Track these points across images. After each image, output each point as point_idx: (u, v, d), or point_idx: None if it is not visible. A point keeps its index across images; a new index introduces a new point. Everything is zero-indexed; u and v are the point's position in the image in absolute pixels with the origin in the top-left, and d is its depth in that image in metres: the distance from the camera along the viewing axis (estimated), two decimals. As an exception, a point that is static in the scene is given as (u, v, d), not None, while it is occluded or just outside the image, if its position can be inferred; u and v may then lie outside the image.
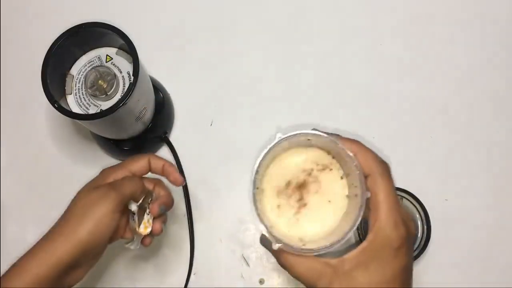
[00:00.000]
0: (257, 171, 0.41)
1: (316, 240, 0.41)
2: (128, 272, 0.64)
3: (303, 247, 0.39)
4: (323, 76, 0.70)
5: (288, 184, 0.44)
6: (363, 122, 0.68)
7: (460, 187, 0.65)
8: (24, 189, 0.68)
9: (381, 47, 0.71)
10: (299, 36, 0.72)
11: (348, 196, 0.43)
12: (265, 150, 0.41)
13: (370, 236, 0.38)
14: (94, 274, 0.64)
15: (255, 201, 0.41)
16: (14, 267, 0.45)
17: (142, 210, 0.52)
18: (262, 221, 0.40)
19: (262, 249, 0.64)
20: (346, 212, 0.42)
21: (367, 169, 0.40)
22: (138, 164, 0.52)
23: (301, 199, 0.43)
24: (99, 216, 0.46)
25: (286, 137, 0.42)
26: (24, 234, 0.66)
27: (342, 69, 0.70)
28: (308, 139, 0.43)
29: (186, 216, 0.64)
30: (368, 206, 0.39)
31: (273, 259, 0.63)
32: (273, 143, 0.42)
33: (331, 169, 0.44)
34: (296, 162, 0.44)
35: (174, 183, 0.53)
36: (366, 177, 0.40)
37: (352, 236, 0.39)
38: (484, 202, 0.64)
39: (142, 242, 0.53)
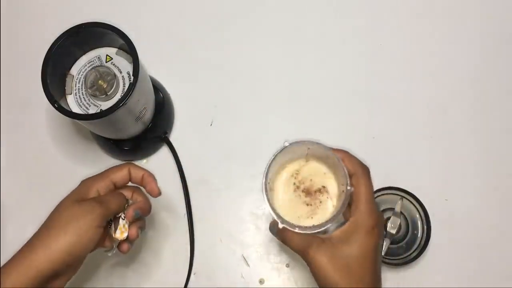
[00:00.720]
0: (267, 171, 0.52)
1: None
2: (128, 272, 0.64)
3: (301, 225, 0.51)
4: (322, 75, 0.70)
5: (292, 185, 0.56)
6: (363, 122, 0.68)
7: (460, 187, 0.65)
8: (24, 189, 0.68)
9: (381, 47, 0.71)
10: (299, 36, 0.72)
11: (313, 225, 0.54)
12: (276, 153, 0.52)
13: (352, 219, 0.48)
14: (94, 274, 0.64)
15: (267, 190, 0.52)
16: None
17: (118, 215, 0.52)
18: (272, 205, 0.51)
19: (262, 249, 0.64)
20: (336, 206, 0.54)
21: (352, 170, 0.49)
22: (119, 174, 0.52)
23: (302, 197, 0.56)
24: (83, 230, 0.46)
25: (290, 144, 0.52)
26: (24, 234, 0.66)
27: (342, 69, 0.70)
28: (308, 148, 0.54)
29: (186, 216, 0.64)
30: (351, 199, 0.49)
31: (273, 259, 0.63)
32: (280, 149, 0.52)
33: (328, 198, 0.56)
34: (297, 169, 0.57)
35: (150, 193, 0.53)
36: (350, 176, 0.50)
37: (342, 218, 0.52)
38: (484, 202, 0.64)
39: (119, 248, 0.53)
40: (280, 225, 0.51)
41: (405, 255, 0.61)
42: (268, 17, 0.73)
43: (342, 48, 0.71)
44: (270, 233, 0.63)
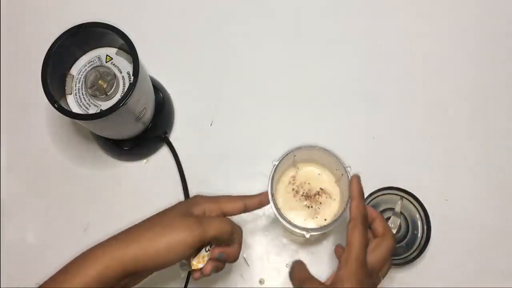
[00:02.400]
0: (271, 187, 0.55)
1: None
2: (128, 272, 0.64)
3: (299, 225, 0.55)
4: (322, 75, 0.70)
5: (292, 191, 0.60)
6: (363, 122, 0.68)
7: (460, 187, 0.65)
8: (24, 189, 0.68)
9: (381, 47, 0.71)
10: (300, 36, 0.72)
11: (325, 219, 0.58)
12: (271, 174, 0.56)
13: (340, 272, 0.46)
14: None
15: (276, 204, 0.55)
16: (82, 257, 0.45)
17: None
18: (282, 215, 0.55)
19: (262, 249, 0.64)
20: (340, 192, 0.59)
21: (353, 214, 0.49)
22: (233, 205, 0.51)
23: (303, 201, 0.59)
24: (175, 243, 0.46)
25: (279, 162, 0.56)
26: (24, 234, 0.66)
27: (342, 69, 0.70)
28: (294, 155, 0.57)
29: (186, 216, 0.64)
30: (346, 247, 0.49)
31: (273, 259, 0.63)
32: (272, 170, 0.56)
33: (327, 197, 0.60)
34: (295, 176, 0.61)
35: (263, 204, 0.54)
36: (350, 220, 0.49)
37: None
38: (484, 202, 0.64)
39: (192, 273, 0.52)
40: (306, 234, 0.54)
41: (405, 255, 0.61)
42: (268, 17, 0.73)
43: (342, 48, 0.71)
44: (270, 233, 0.64)
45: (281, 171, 0.59)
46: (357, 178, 0.51)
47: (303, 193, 0.60)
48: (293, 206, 0.59)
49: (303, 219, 0.58)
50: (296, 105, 0.69)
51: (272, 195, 0.55)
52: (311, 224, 0.58)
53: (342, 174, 0.57)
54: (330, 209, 0.59)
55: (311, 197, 0.59)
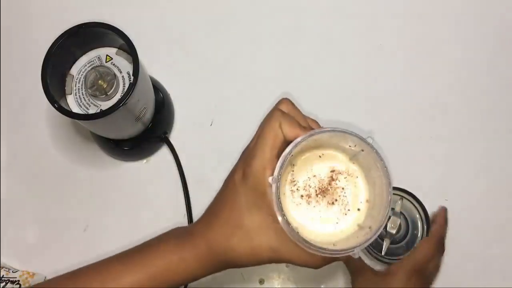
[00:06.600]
0: (279, 207, 0.41)
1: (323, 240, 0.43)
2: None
3: (310, 242, 0.40)
4: (322, 75, 0.70)
5: (300, 198, 0.44)
6: (363, 122, 0.68)
7: (460, 187, 0.65)
8: (24, 189, 0.68)
9: (381, 47, 0.71)
10: (300, 36, 0.72)
11: (359, 209, 0.45)
12: (275, 187, 0.41)
13: (397, 265, 0.56)
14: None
15: (288, 224, 0.41)
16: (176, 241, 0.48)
17: None
18: (281, 210, 0.41)
19: (262, 249, 0.64)
20: (359, 224, 0.44)
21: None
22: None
23: (321, 201, 0.44)
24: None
25: (278, 173, 0.42)
26: (24, 234, 0.66)
27: (342, 69, 0.70)
28: (291, 155, 0.43)
29: (186, 216, 0.64)
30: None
31: (273, 259, 0.63)
32: (288, 150, 0.42)
33: (346, 176, 0.45)
34: (312, 166, 0.45)
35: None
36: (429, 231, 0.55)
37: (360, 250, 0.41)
38: (484, 202, 0.64)
39: None
40: (354, 253, 0.41)
41: (405, 255, 0.61)
42: (268, 17, 0.73)
43: (342, 48, 0.71)
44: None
45: (283, 180, 0.45)
46: (445, 211, 0.62)
47: (316, 191, 0.44)
48: (314, 217, 0.44)
49: (335, 222, 0.44)
50: (295, 104, 0.69)
51: (283, 216, 0.41)
52: (346, 223, 0.44)
53: (362, 150, 0.42)
54: (358, 189, 0.44)
55: (327, 189, 0.44)
